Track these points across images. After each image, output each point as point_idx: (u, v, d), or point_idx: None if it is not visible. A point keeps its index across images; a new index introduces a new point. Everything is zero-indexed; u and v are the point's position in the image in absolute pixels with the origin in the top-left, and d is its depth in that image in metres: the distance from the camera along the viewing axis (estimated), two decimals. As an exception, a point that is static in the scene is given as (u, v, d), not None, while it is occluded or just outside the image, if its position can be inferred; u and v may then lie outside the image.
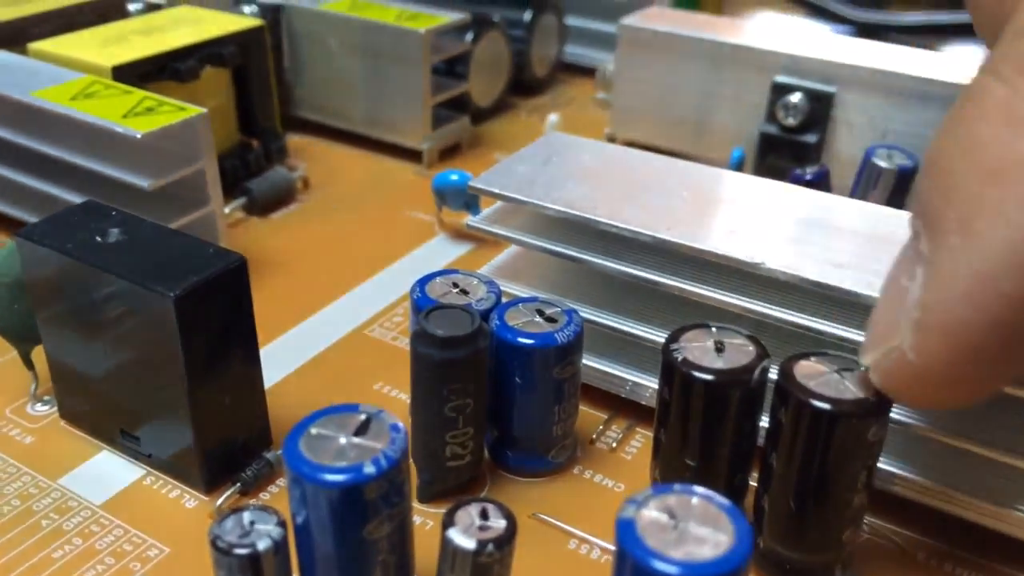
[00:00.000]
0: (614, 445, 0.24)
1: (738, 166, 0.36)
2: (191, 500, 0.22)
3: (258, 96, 0.36)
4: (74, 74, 0.31)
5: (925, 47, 0.56)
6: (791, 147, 0.36)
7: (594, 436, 0.25)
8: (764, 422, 0.20)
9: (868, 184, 0.32)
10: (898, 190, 0.32)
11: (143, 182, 0.28)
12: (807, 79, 0.35)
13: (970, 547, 0.22)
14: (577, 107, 0.46)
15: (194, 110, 0.29)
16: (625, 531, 0.16)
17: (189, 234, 0.22)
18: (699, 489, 0.16)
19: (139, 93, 0.30)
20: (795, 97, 0.35)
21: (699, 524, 0.16)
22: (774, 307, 0.22)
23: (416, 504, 0.23)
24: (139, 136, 0.27)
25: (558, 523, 0.22)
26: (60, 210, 0.23)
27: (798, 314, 0.22)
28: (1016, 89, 0.16)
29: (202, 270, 0.21)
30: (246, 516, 0.18)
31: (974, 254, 0.16)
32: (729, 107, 0.37)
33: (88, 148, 0.29)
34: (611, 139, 0.41)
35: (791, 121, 0.35)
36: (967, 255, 0.16)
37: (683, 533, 0.16)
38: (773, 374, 0.20)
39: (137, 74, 0.32)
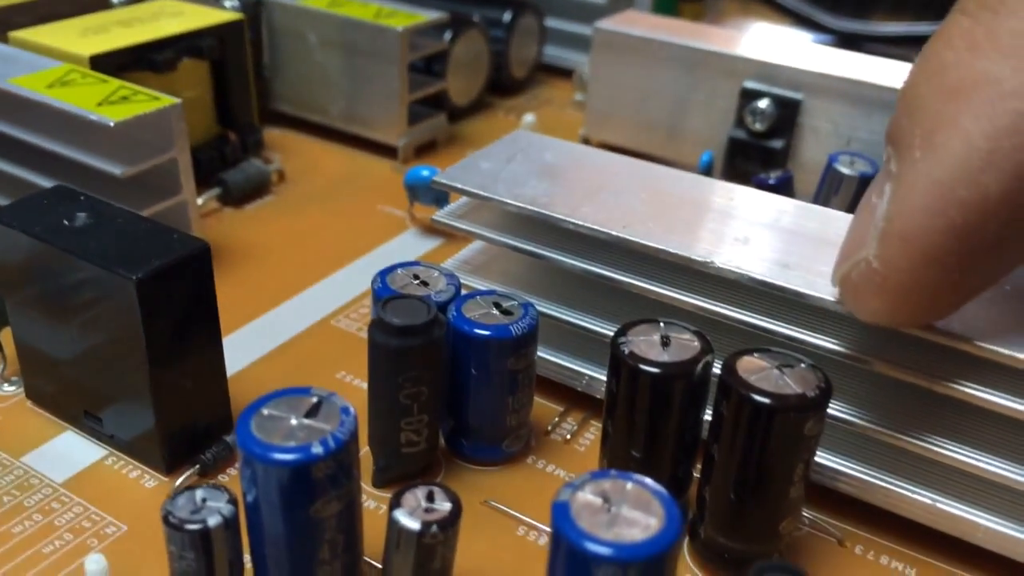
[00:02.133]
0: (568, 437, 0.25)
1: (707, 169, 0.37)
2: (151, 480, 0.23)
3: (236, 89, 0.37)
4: (52, 62, 0.31)
5: (905, 58, 0.57)
6: (759, 152, 0.37)
7: (549, 427, 0.25)
8: (709, 416, 0.21)
9: (830, 190, 0.33)
10: (859, 196, 0.33)
11: (116, 169, 0.28)
12: (775, 85, 0.36)
13: (905, 541, 0.22)
14: (555, 108, 0.47)
15: (168, 100, 0.29)
16: (560, 513, 0.16)
17: (156, 220, 0.23)
18: (635, 475, 0.17)
19: (115, 82, 0.30)
20: (763, 103, 0.36)
21: (631, 508, 0.16)
22: (723, 305, 0.23)
23: (371, 489, 0.23)
24: (112, 124, 0.27)
25: (508, 510, 0.23)
26: (30, 193, 0.24)
27: (746, 312, 0.22)
28: (977, 19, 0.17)
29: (165, 254, 0.21)
30: (198, 493, 0.19)
31: (933, 164, 0.17)
32: (701, 112, 0.38)
33: (63, 135, 0.30)
34: (585, 140, 0.42)
35: (759, 126, 0.36)
36: (927, 166, 0.17)
37: (615, 516, 0.16)
38: (718, 369, 0.20)
39: (115, 64, 0.32)
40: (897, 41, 0.59)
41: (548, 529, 0.22)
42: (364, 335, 0.29)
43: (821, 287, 0.21)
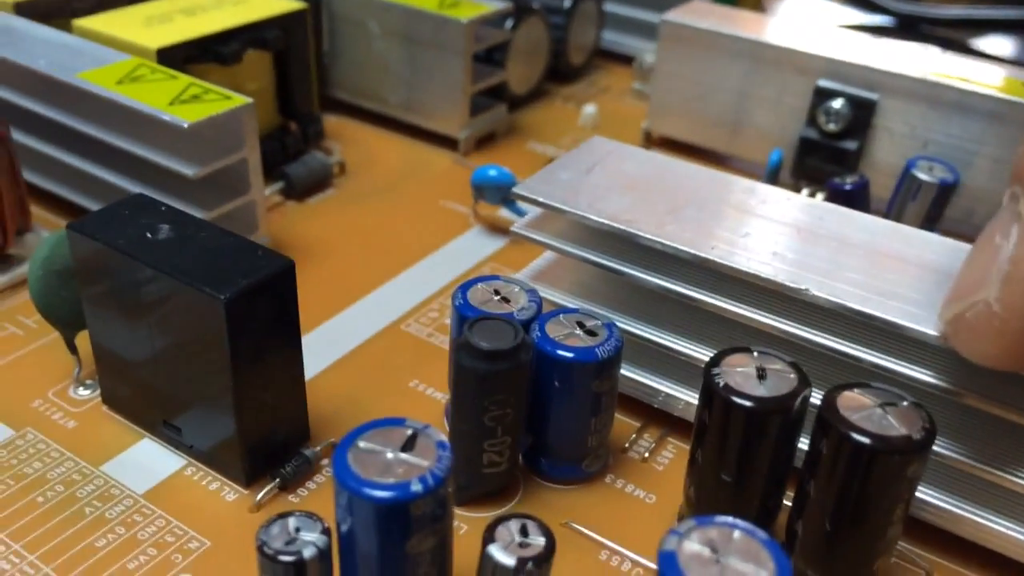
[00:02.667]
0: (646, 455, 0.25)
1: (776, 168, 0.36)
2: (231, 493, 0.23)
3: (298, 79, 0.36)
4: (119, 55, 0.31)
5: (964, 41, 0.55)
6: (830, 152, 0.36)
7: (627, 445, 0.25)
8: (803, 444, 0.20)
9: (907, 196, 0.32)
10: (937, 203, 0.32)
11: (188, 170, 0.28)
12: (849, 84, 0.35)
13: (993, 574, 0.22)
14: (613, 96, 0.46)
15: (240, 100, 0.29)
16: (667, 564, 0.16)
17: (238, 234, 0.22)
18: (741, 523, 0.17)
19: (185, 79, 0.30)
20: (837, 103, 0.35)
21: (740, 559, 0.16)
22: (815, 332, 0.22)
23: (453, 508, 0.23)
24: (186, 126, 0.27)
25: (590, 533, 0.22)
26: (110, 203, 0.23)
27: (839, 340, 0.22)
28: None
29: (252, 273, 0.21)
30: (291, 522, 0.18)
31: None
32: (768, 108, 0.37)
33: (133, 133, 0.30)
34: (648, 133, 0.41)
35: (832, 127, 0.35)
36: None
37: (725, 568, 0.16)
38: (815, 398, 0.20)
39: (182, 57, 0.32)
40: (957, 24, 0.58)
41: (632, 555, 0.22)
42: (434, 341, 0.28)
43: (919, 318, 0.21)
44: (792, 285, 0.22)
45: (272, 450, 0.23)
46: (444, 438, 0.18)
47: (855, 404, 0.19)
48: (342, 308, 0.30)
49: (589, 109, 0.42)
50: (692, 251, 0.23)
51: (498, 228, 0.34)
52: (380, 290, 0.31)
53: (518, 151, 0.40)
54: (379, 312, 0.30)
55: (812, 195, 0.36)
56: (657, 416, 0.26)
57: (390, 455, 0.18)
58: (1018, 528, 0.21)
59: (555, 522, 0.23)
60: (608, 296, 0.26)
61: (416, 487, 0.17)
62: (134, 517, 0.22)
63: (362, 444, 0.18)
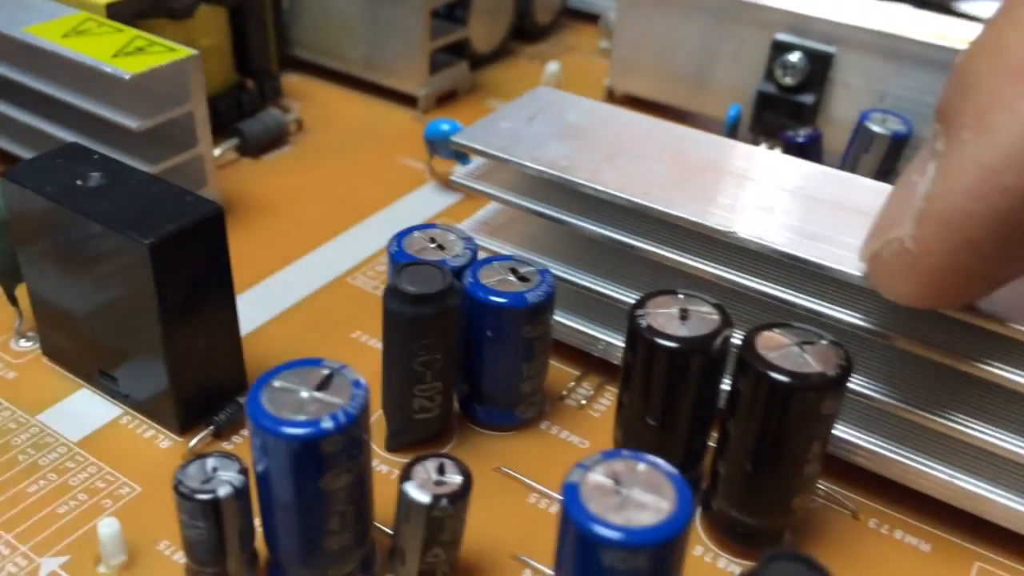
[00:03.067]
0: (583, 402, 0.25)
1: (734, 123, 0.36)
2: (165, 441, 0.23)
3: (255, 36, 0.36)
4: (67, 10, 0.31)
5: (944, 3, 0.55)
6: (788, 106, 0.36)
7: (564, 392, 0.25)
8: (727, 385, 0.20)
9: (861, 148, 0.32)
10: (890, 156, 0.32)
11: (132, 123, 0.28)
12: (808, 38, 0.35)
13: (921, 516, 0.22)
14: (579, 55, 0.46)
15: (184, 51, 0.28)
16: (570, 494, 0.16)
17: (170, 181, 0.22)
18: (647, 456, 0.17)
19: (131, 32, 0.30)
20: (794, 56, 0.35)
21: (643, 490, 0.16)
22: (744, 275, 0.22)
23: (385, 453, 0.23)
24: (127, 77, 0.27)
25: (521, 477, 0.23)
26: (45, 151, 0.23)
27: (767, 283, 0.22)
28: None
29: (178, 218, 0.21)
30: (209, 462, 0.19)
31: (983, 147, 0.16)
32: (729, 64, 0.37)
33: (79, 86, 0.29)
34: (610, 91, 0.41)
35: (789, 80, 0.35)
36: (976, 148, 0.17)
37: (626, 499, 0.16)
38: (738, 340, 0.20)
39: (132, 12, 0.32)
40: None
41: (558, 497, 0.22)
42: (380, 294, 0.28)
43: (846, 260, 0.21)
44: (721, 228, 0.22)
45: (207, 399, 0.23)
46: (361, 378, 0.18)
47: (773, 343, 0.19)
48: (290, 262, 0.30)
49: (552, 67, 0.42)
50: (625, 196, 0.23)
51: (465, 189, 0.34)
52: (329, 244, 0.31)
53: (479, 109, 0.40)
54: (326, 266, 0.30)
55: (771, 150, 0.35)
56: (597, 364, 0.26)
57: (304, 394, 0.18)
58: (942, 468, 0.21)
59: (487, 467, 0.23)
60: (550, 246, 0.26)
61: (327, 424, 0.17)
62: (67, 464, 0.22)
63: (277, 384, 0.18)
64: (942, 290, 0.18)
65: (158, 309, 0.21)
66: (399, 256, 0.23)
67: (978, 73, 0.17)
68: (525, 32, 0.46)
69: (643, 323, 0.20)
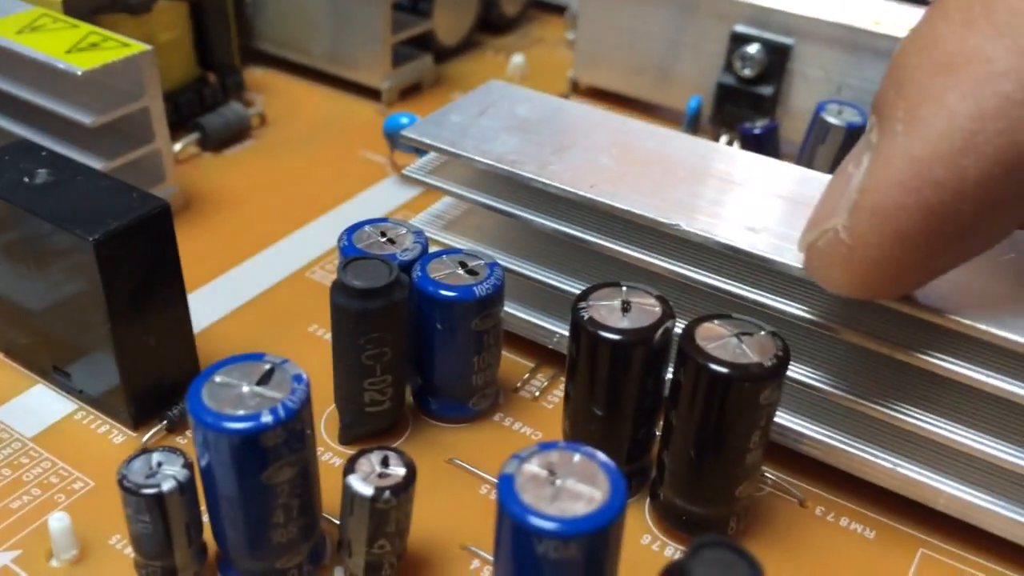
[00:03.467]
0: (537, 394, 0.25)
1: (695, 115, 0.36)
2: (119, 436, 0.23)
3: (216, 30, 0.36)
4: (23, 5, 0.31)
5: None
6: (747, 98, 0.36)
7: (518, 385, 0.25)
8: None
9: (818, 139, 0.32)
10: (846, 146, 0.32)
11: (86, 118, 0.28)
12: (766, 30, 0.35)
13: (866, 504, 0.22)
14: (546, 48, 0.46)
15: (138, 47, 0.28)
16: (504, 486, 0.16)
17: (117, 178, 0.23)
18: (583, 447, 0.17)
19: (85, 27, 0.30)
20: (752, 48, 0.35)
21: (577, 480, 0.16)
22: (689, 267, 0.22)
23: (338, 446, 0.23)
24: (80, 73, 0.27)
25: (472, 468, 0.23)
26: (-8, 149, 0.23)
27: (712, 275, 0.22)
28: None
29: (124, 215, 0.21)
30: (154, 457, 0.19)
31: (914, 140, 0.17)
32: (691, 55, 0.37)
33: (34, 82, 0.29)
34: (574, 83, 0.41)
35: (748, 72, 0.35)
36: (907, 141, 0.17)
37: (560, 489, 0.16)
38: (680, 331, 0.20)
39: (89, 7, 0.32)
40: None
41: (510, 489, 0.22)
42: (338, 287, 0.29)
43: (788, 253, 0.21)
44: (664, 220, 0.22)
45: (160, 394, 0.23)
46: (302, 372, 0.18)
47: (712, 334, 0.19)
48: (248, 257, 0.30)
49: (517, 59, 0.42)
50: (570, 189, 0.23)
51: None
52: (288, 239, 0.31)
53: (443, 102, 0.40)
54: (285, 260, 0.30)
55: (730, 142, 0.36)
56: (551, 357, 0.26)
57: (245, 388, 0.18)
58: (886, 457, 0.22)
59: (441, 459, 0.23)
60: (504, 240, 0.26)
61: (267, 418, 0.17)
62: (21, 459, 0.22)
63: (218, 379, 0.18)
64: (876, 280, 0.18)
65: (106, 305, 0.21)
66: (348, 250, 0.23)
67: (910, 66, 0.17)
68: (492, 24, 0.46)
69: (585, 315, 0.20)
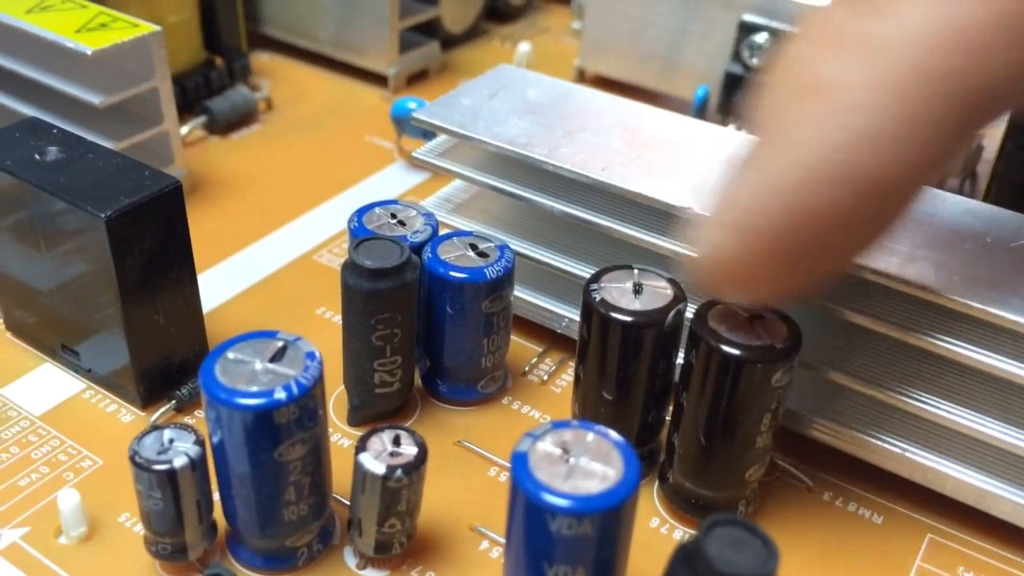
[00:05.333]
0: (545, 378, 0.25)
1: (702, 104, 0.36)
2: (127, 415, 0.23)
3: (223, 13, 0.36)
4: (31, -15, 0.31)
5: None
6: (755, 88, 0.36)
7: (526, 368, 0.25)
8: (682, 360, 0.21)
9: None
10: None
11: (95, 99, 0.28)
12: (774, 19, 0.35)
13: (874, 489, 0.22)
14: (552, 37, 0.46)
15: (147, 27, 0.28)
16: (518, 463, 0.16)
17: (128, 156, 0.22)
18: (597, 426, 0.17)
19: (94, 8, 0.29)
20: (761, 37, 0.35)
21: (591, 459, 0.16)
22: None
23: (347, 428, 0.23)
24: (90, 52, 0.27)
25: (480, 450, 0.23)
26: (3, 127, 0.23)
27: (723, 259, 0.22)
28: (853, 17, 0.16)
29: (136, 192, 0.21)
30: (166, 433, 0.19)
31: (767, 162, 0.16)
32: (698, 44, 0.37)
33: (42, 62, 0.29)
34: (580, 72, 0.41)
35: (756, 61, 0.35)
36: (765, 164, 0.17)
37: (574, 467, 0.16)
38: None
39: (97, -13, 0.32)
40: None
41: (519, 471, 0.22)
42: (346, 271, 0.29)
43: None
44: (676, 204, 0.22)
45: (169, 373, 0.23)
46: (315, 349, 0.18)
47: (725, 317, 0.19)
48: (256, 239, 0.30)
49: (523, 47, 0.42)
50: (581, 172, 0.23)
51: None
52: (296, 222, 0.31)
53: (449, 89, 0.39)
54: (293, 243, 0.30)
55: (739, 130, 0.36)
56: (560, 341, 0.26)
57: (258, 365, 0.18)
58: (895, 442, 0.22)
59: (449, 441, 0.23)
60: (513, 224, 0.26)
61: (280, 395, 0.17)
62: (29, 437, 0.22)
63: (231, 355, 0.18)
64: (747, 289, 0.18)
65: (117, 283, 0.21)
66: (359, 231, 0.23)
67: (778, 87, 0.17)
68: (498, 12, 0.46)
69: (597, 297, 0.20)
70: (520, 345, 0.26)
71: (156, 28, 0.28)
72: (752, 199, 0.17)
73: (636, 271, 0.21)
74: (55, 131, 0.23)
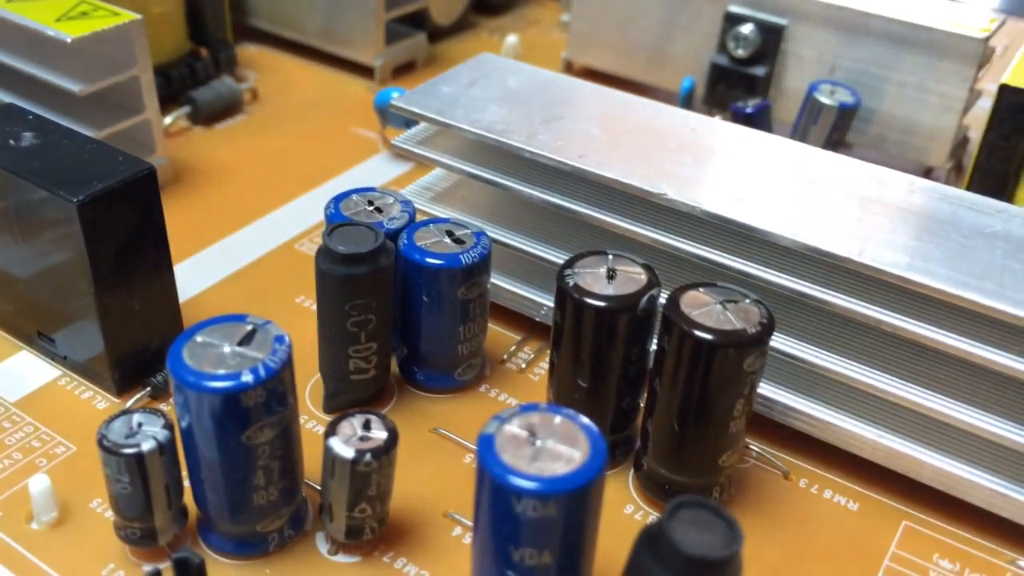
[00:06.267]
0: (523, 366, 0.25)
1: (688, 96, 0.36)
2: (103, 402, 0.23)
3: (208, 4, 0.36)
4: (13, -26, 0.31)
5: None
6: (741, 79, 0.36)
7: (505, 356, 0.25)
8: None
9: (809, 119, 0.32)
10: (838, 126, 0.32)
11: (74, 87, 0.28)
12: (759, 10, 0.35)
13: (850, 476, 0.22)
14: (541, 29, 0.46)
15: (128, 16, 0.28)
16: (484, 446, 0.16)
17: (103, 142, 0.22)
18: (565, 409, 0.17)
19: (75, -4, 0.29)
20: (746, 28, 0.35)
21: (557, 442, 0.16)
22: (675, 237, 0.22)
23: (323, 415, 0.23)
24: (69, 40, 0.27)
25: (456, 438, 0.23)
26: (-22, 112, 0.23)
27: (697, 245, 0.22)
28: None
29: (109, 177, 0.21)
30: (135, 418, 0.19)
31: None
32: (684, 36, 0.37)
33: (22, 50, 0.29)
34: (568, 64, 0.41)
35: (741, 52, 0.35)
36: None
37: (540, 450, 0.16)
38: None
39: (79, -23, 0.32)
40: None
41: (493, 458, 0.22)
42: (326, 260, 0.28)
43: (773, 223, 0.21)
44: (651, 189, 0.22)
45: (144, 360, 0.23)
46: (284, 333, 0.18)
47: (697, 302, 0.19)
48: (237, 229, 0.30)
49: (511, 40, 0.42)
50: (558, 158, 0.23)
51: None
52: (277, 212, 0.31)
53: (436, 80, 0.39)
54: (273, 232, 0.30)
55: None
56: (538, 329, 0.26)
57: (226, 349, 0.18)
58: (871, 429, 0.22)
59: (425, 428, 0.23)
60: (493, 211, 0.26)
61: (247, 377, 0.17)
62: (3, 424, 0.22)
63: (199, 339, 0.18)
64: None
65: (90, 269, 0.21)
66: (335, 218, 0.23)
67: None
68: (487, 5, 0.46)
69: (570, 282, 0.20)
70: (499, 333, 0.26)
71: (137, 17, 0.28)
72: None
73: (610, 256, 0.21)
74: (31, 117, 0.23)
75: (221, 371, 0.17)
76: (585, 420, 0.17)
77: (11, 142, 0.22)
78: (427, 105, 0.25)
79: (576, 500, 0.16)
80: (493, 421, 0.17)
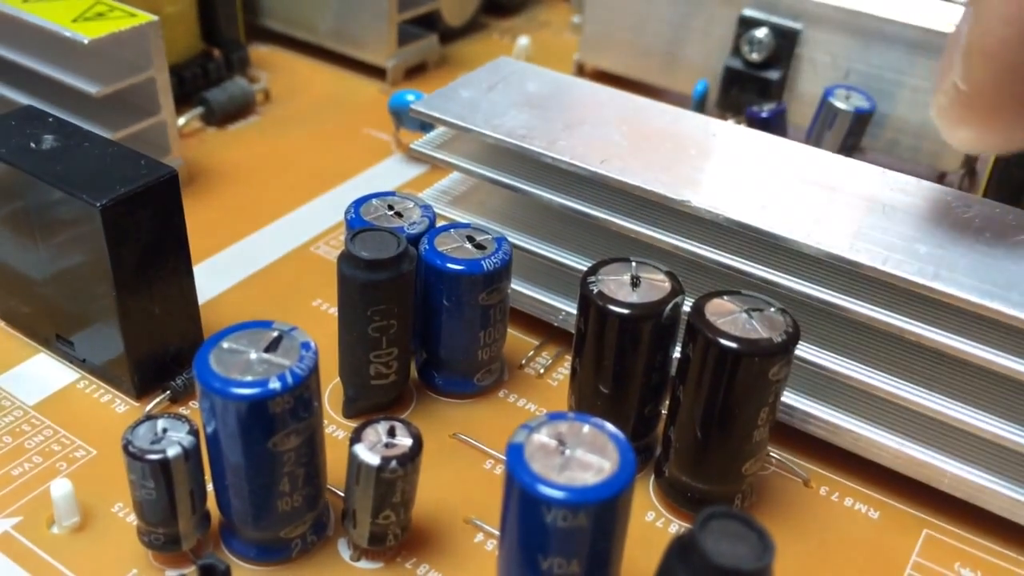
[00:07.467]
0: (542, 371, 0.25)
1: (701, 99, 0.36)
2: (122, 405, 0.23)
3: (221, 4, 0.36)
4: (28, -26, 0.31)
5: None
6: (754, 83, 0.36)
7: (523, 362, 0.25)
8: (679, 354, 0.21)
9: (824, 124, 0.32)
10: (853, 131, 0.32)
11: (91, 88, 0.28)
12: (774, 14, 0.35)
13: (871, 484, 0.22)
14: (552, 31, 0.46)
15: (144, 17, 0.28)
16: (513, 455, 0.16)
17: (124, 145, 0.22)
18: (593, 418, 0.17)
19: (91, -3, 0.29)
20: (760, 32, 0.35)
21: (586, 451, 0.16)
22: (698, 244, 0.22)
23: (342, 420, 0.23)
24: (86, 42, 0.27)
25: (476, 443, 0.23)
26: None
27: (721, 252, 0.22)
28: None
29: (132, 181, 0.21)
30: (160, 423, 0.19)
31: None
32: (698, 39, 0.37)
33: (39, 51, 0.29)
34: (580, 66, 0.41)
35: (755, 56, 0.35)
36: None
37: (569, 459, 0.16)
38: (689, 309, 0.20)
39: (94, -23, 0.32)
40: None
41: (514, 464, 0.22)
42: (343, 263, 0.28)
43: (797, 230, 0.21)
44: (674, 196, 0.22)
45: (164, 363, 0.23)
46: (310, 340, 0.18)
47: (722, 310, 0.19)
48: (253, 231, 0.30)
49: (522, 41, 0.42)
50: (580, 164, 0.23)
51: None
52: (293, 214, 0.31)
53: (447, 82, 0.39)
54: (290, 235, 0.30)
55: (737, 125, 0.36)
56: (557, 335, 0.26)
57: (253, 355, 0.18)
58: (892, 437, 0.22)
59: (445, 434, 0.23)
60: (511, 216, 0.26)
61: (275, 384, 0.17)
62: (22, 427, 0.22)
63: (226, 344, 0.18)
64: (998, 126, 0.19)
65: (112, 273, 0.21)
66: (355, 223, 0.23)
67: None
68: (498, 7, 0.46)
69: (594, 289, 0.20)
70: (517, 338, 0.26)
71: (153, 18, 0.28)
72: (995, 13, 0.17)
73: (634, 263, 0.21)
74: (51, 119, 0.23)
75: (248, 377, 0.17)
76: (613, 429, 0.17)
77: (32, 144, 0.22)
78: (448, 110, 0.25)
79: (606, 510, 0.16)
80: (522, 430, 0.17)
